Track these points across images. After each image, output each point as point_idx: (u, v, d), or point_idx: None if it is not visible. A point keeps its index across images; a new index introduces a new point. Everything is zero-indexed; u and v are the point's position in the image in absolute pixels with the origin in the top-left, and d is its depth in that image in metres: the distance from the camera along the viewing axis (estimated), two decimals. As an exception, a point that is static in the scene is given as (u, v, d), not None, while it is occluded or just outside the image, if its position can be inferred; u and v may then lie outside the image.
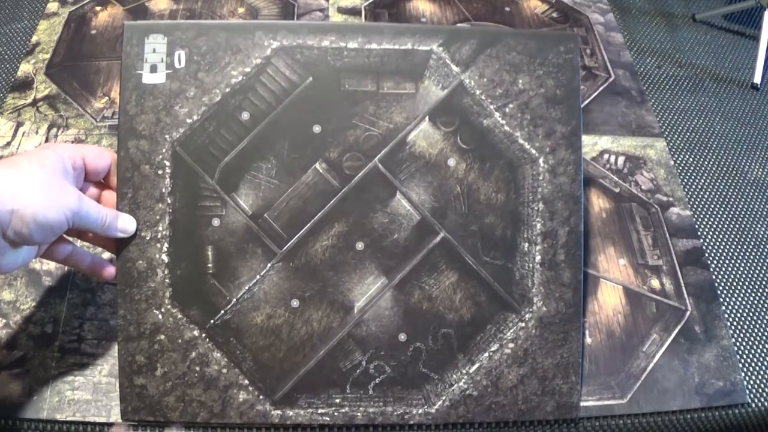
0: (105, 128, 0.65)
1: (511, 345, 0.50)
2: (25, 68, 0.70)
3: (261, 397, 0.49)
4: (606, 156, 0.67)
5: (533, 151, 0.51)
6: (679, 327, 0.57)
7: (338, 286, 0.50)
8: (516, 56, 0.51)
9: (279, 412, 0.49)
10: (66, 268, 0.55)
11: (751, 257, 0.64)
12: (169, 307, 0.48)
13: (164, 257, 0.48)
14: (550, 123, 0.51)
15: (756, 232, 0.66)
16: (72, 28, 0.75)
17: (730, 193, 0.69)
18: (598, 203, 0.64)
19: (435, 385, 0.50)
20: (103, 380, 0.51)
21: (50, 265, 0.56)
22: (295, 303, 0.49)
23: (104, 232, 0.46)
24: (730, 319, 0.59)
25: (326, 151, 0.50)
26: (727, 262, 0.63)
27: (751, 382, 0.55)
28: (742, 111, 0.79)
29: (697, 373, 0.54)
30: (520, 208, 0.51)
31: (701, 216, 0.67)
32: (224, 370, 0.48)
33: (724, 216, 0.67)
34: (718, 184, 0.70)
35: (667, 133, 0.73)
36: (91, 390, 0.50)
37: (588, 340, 0.55)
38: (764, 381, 0.56)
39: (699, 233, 0.64)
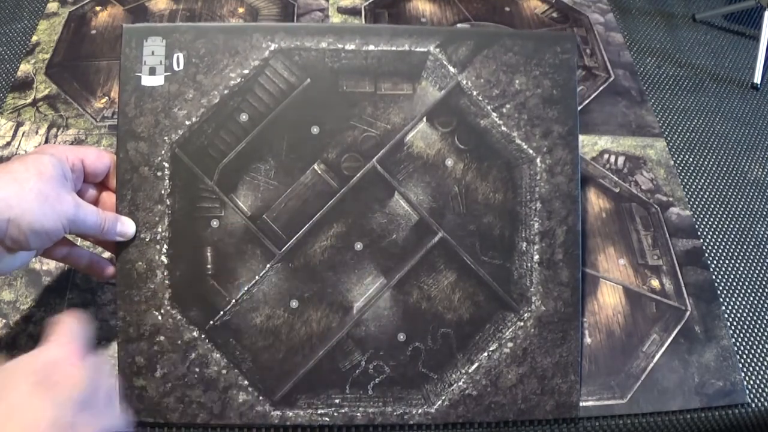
0: (105, 128, 0.65)
1: (510, 344, 0.50)
2: (25, 68, 0.70)
3: (260, 397, 0.49)
4: (606, 156, 0.67)
5: (530, 151, 0.51)
6: (679, 327, 0.57)
7: (337, 287, 0.50)
8: (512, 57, 0.51)
9: (278, 412, 0.49)
10: (66, 267, 0.56)
11: (751, 257, 0.64)
12: (168, 308, 0.48)
13: (164, 258, 0.48)
14: (547, 123, 0.51)
15: (756, 232, 0.66)
16: (72, 28, 0.75)
17: (730, 193, 0.69)
18: (598, 203, 0.64)
19: (434, 385, 0.50)
20: (104, 381, 0.51)
21: (50, 265, 0.56)
22: (294, 304, 0.49)
23: (103, 237, 0.46)
24: (730, 319, 0.59)
25: (324, 152, 0.50)
26: (727, 262, 0.63)
27: (751, 382, 0.55)
28: (742, 111, 0.78)
29: (697, 373, 0.54)
30: (517, 208, 0.51)
31: (701, 216, 0.66)
32: (224, 371, 0.48)
33: (724, 216, 0.67)
34: (718, 184, 0.70)
35: (667, 133, 0.73)
36: (91, 390, 0.50)
37: (588, 340, 0.55)
38: (764, 381, 0.56)
39: (699, 233, 0.64)
